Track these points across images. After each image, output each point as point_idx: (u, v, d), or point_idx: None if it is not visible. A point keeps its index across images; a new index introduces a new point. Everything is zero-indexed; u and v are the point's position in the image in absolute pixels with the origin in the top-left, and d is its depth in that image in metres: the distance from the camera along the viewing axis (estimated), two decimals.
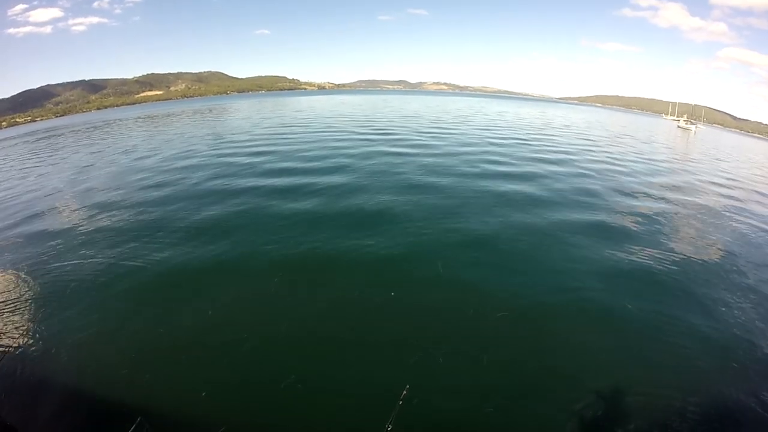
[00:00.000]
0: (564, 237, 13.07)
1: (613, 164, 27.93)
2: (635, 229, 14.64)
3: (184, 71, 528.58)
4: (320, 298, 9.23)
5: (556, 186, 19.44)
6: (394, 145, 27.66)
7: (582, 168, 24.65)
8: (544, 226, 13.73)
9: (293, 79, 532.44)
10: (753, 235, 16.14)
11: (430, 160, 22.94)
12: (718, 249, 14.01)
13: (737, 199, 22.46)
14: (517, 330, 8.40)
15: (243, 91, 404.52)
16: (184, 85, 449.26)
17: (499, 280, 10.18)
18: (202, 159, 24.32)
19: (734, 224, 17.27)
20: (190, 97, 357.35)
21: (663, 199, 19.78)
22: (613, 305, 9.50)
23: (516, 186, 18.21)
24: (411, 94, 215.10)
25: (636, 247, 12.83)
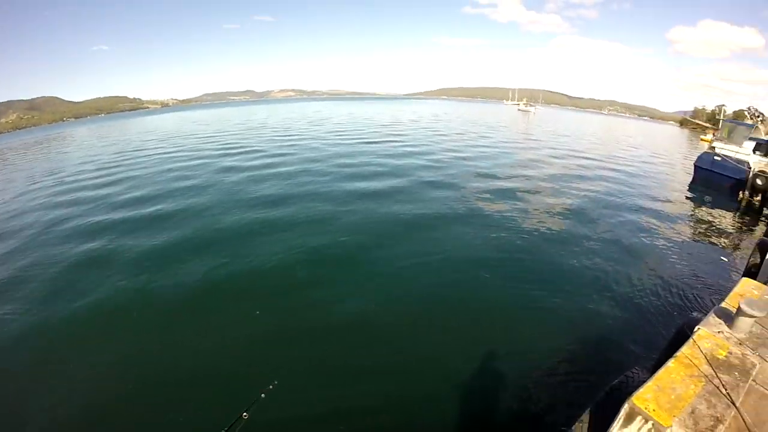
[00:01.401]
0: (423, 225, 14.46)
1: (461, 151, 32.14)
2: (492, 208, 16.87)
3: (14, 99, 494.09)
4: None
5: (412, 177, 21.50)
6: (248, 159, 28.40)
7: (431, 160, 27.35)
8: (407, 219, 15.06)
9: (135, 98, 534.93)
10: (592, 196, 21.18)
11: (282, 170, 23.50)
12: (566, 212, 17.50)
13: (577, 167, 29.83)
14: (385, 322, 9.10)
15: (81, 117, 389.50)
16: (15, 115, 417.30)
17: (362, 275, 11.05)
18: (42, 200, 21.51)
19: (576, 190, 22.08)
20: (24, 128, 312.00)
21: (512, 177, 23.17)
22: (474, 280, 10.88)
23: (372, 183, 19.42)
24: (258, 104, 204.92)
25: (494, 225, 14.72)
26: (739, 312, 4.48)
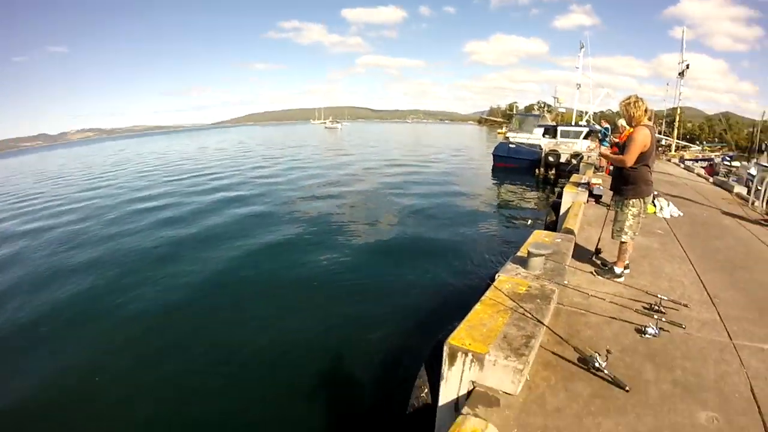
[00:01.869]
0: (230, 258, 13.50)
1: (275, 177, 31.32)
2: (314, 228, 16.52)
3: None
4: None
5: (226, 212, 19.69)
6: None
7: (244, 189, 25.89)
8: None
9: None
10: (407, 197, 22.24)
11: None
12: (386, 218, 18.17)
13: (389, 174, 31.81)
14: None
15: None
16: None
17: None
18: None
19: (391, 195, 23.17)
20: None
21: (328, 193, 23.29)
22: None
23: (184, 230, 16.92)
24: (54, 149, 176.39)
25: (324, 249, 14.05)
26: (530, 254, 5.25)
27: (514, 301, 4.38)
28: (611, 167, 11.34)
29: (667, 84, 45.92)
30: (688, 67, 41.39)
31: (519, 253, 5.77)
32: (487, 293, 4.62)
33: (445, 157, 48.25)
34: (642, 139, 5.47)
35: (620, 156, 5.68)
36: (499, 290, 4.63)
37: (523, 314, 4.16)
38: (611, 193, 6.30)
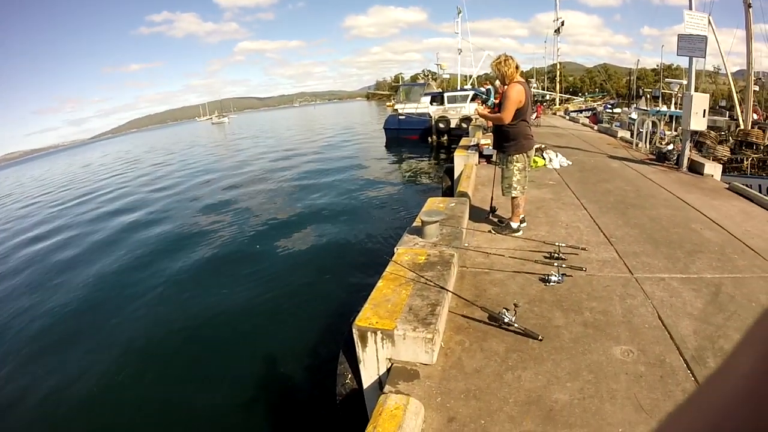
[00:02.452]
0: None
1: (170, 188, 27.71)
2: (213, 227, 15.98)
3: None
4: None
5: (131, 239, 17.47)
6: None
7: (140, 209, 22.68)
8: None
9: None
10: (307, 182, 22.18)
11: None
12: (297, 209, 17.35)
13: (284, 162, 31.16)
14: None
15: None
16: None
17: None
18: None
19: (294, 182, 22.78)
20: None
21: (229, 199, 21.10)
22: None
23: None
24: None
25: (211, 242, 14.04)
26: (424, 223, 5.22)
27: (414, 272, 4.35)
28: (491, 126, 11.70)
29: (545, 42, 48.34)
30: (563, 24, 43.89)
31: (414, 224, 5.76)
32: (388, 268, 4.57)
33: (337, 137, 47.96)
34: (516, 95, 5.62)
35: (497, 114, 5.77)
36: (399, 264, 4.58)
37: (426, 283, 4.14)
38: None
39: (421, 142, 33.00)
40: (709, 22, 10.87)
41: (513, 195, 5.93)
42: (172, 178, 30.65)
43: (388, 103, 56.20)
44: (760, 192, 11.50)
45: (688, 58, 10.64)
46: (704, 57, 10.89)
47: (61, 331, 9.78)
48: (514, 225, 5.95)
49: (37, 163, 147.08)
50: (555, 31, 43.95)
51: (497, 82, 11.84)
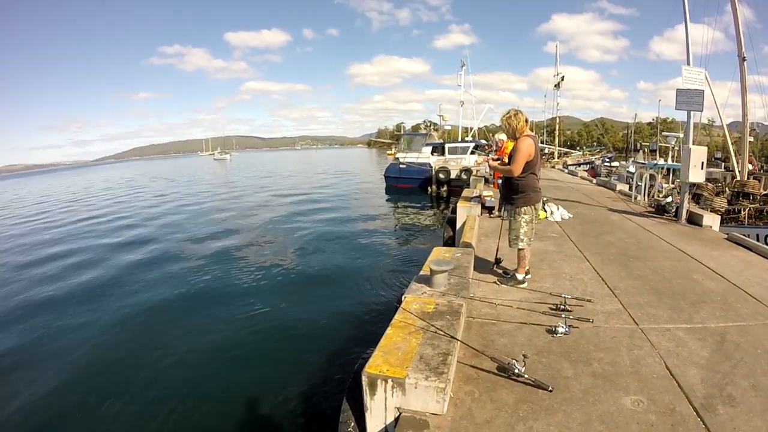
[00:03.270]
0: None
1: (173, 217, 28.81)
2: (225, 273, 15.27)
3: None
4: None
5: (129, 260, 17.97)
6: None
7: (148, 233, 23.54)
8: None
9: None
10: (308, 229, 21.69)
11: None
12: (291, 253, 17.39)
13: (287, 206, 30.88)
14: None
15: None
16: None
17: None
18: None
19: (292, 229, 22.21)
20: None
21: (230, 234, 21.77)
22: None
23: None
24: None
25: (232, 294, 13.17)
26: (433, 272, 5.27)
27: (424, 321, 4.37)
28: (499, 180, 11.79)
29: (545, 96, 49.84)
30: (563, 79, 44.99)
31: (422, 272, 5.80)
32: (397, 316, 4.59)
33: (338, 182, 48.69)
34: (526, 148, 5.73)
35: (508, 167, 5.86)
36: (408, 311, 4.61)
37: (436, 332, 4.16)
38: (503, 203, 6.46)
39: (421, 192, 33.52)
40: (705, 77, 11.15)
41: (520, 246, 5.98)
42: (174, 212, 30.54)
43: (389, 152, 57.00)
44: (758, 241, 11.62)
45: (686, 111, 10.87)
46: (702, 110, 11.17)
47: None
48: (520, 276, 5.99)
49: (41, 178, 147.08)
50: (555, 86, 45.01)
51: (498, 137, 12.10)
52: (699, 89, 10.52)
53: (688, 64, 10.95)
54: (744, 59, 17.45)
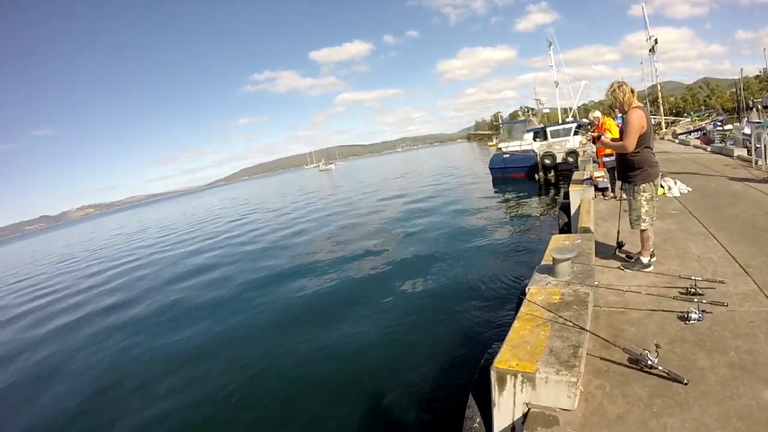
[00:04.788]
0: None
1: (288, 227, 31.01)
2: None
3: None
4: None
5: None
6: None
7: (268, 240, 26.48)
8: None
9: None
10: (425, 227, 22.21)
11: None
12: (413, 250, 17.89)
13: (399, 207, 31.29)
14: None
15: None
16: None
17: None
18: None
19: (408, 228, 22.95)
20: None
21: (363, 239, 22.27)
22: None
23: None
24: (55, 230, 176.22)
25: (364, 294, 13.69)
26: (555, 261, 5.14)
27: (551, 312, 4.26)
28: (603, 159, 11.36)
29: (641, 63, 46.84)
30: (656, 42, 42.39)
31: (544, 262, 5.66)
32: (522, 308, 4.51)
33: (443, 179, 48.53)
34: (637, 120, 5.42)
35: (620, 142, 5.61)
36: (533, 303, 4.53)
37: (564, 323, 4.04)
38: (619, 183, 6.22)
39: (528, 180, 32.90)
40: None
41: (642, 228, 5.69)
42: (289, 225, 31.70)
43: (490, 143, 56.32)
44: None
45: None
46: None
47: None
48: (645, 260, 5.69)
49: (162, 205, 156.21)
50: (649, 50, 42.25)
51: (593, 114, 11.66)
52: None
53: None
54: None
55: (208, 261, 22.89)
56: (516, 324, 4.22)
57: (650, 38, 42.13)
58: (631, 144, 5.46)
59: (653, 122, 42.94)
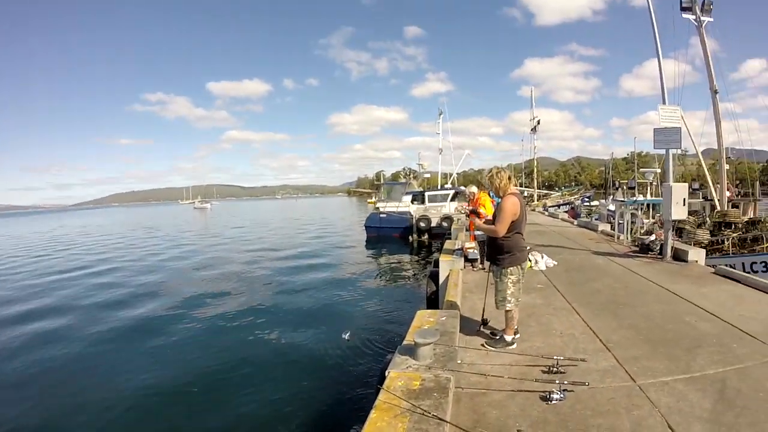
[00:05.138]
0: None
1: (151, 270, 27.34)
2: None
3: None
4: None
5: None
6: None
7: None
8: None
9: None
10: (288, 278, 21.73)
11: None
12: (271, 299, 17.62)
13: (267, 257, 29.99)
14: None
15: None
16: None
17: None
18: None
19: (272, 277, 22.43)
20: None
21: (207, 278, 22.60)
22: None
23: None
24: None
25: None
26: (417, 344, 4.98)
27: (409, 402, 4.08)
28: (476, 231, 11.60)
29: (522, 140, 51.60)
30: (539, 123, 46.62)
31: (405, 342, 5.51)
32: (380, 396, 4.30)
33: (318, 232, 48.18)
34: (511, 207, 5.58)
35: (492, 226, 5.73)
36: (392, 392, 4.32)
37: (423, 414, 3.86)
38: (489, 263, 6.26)
39: (402, 241, 33.68)
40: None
41: (507, 308, 5.76)
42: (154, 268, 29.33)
43: (369, 200, 57.56)
44: (744, 270, 11.55)
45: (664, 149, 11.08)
46: (680, 147, 11.37)
47: None
48: (508, 338, 5.73)
49: (21, 220, 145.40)
50: (531, 129, 46.55)
51: (470, 188, 12.00)
52: (676, 127, 10.74)
53: (664, 102, 11.15)
54: (716, 92, 18.15)
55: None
56: (373, 414, 4.00)
57: (534, 118, 45.88)
58: (501, 230, 5.61)
59: (527, 194, 45.59)
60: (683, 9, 18.50)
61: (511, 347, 5.68)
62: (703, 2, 18.41)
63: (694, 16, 18.40)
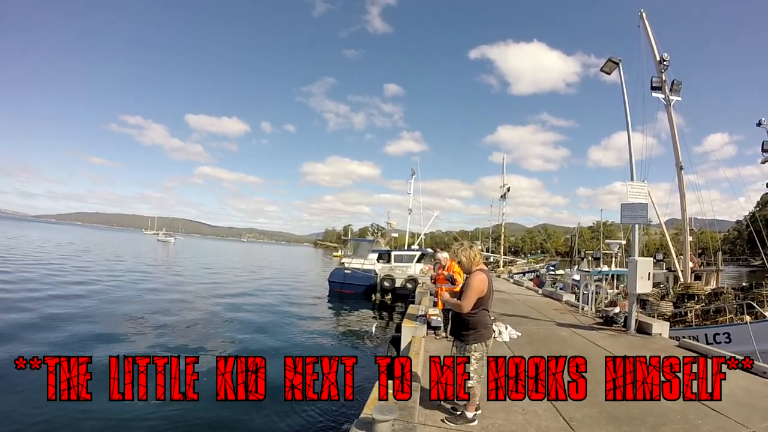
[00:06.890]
0: None
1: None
2: None
3: None
4: None
5: None
6: None
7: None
8: None
9: None
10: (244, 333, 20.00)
11: None
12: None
13: (226, 303, 28.47)
14: None
15: None
16: None
17: None
18: None
19: (230, 329, 20.62)
20: None
21: (166, 311, 22.20)
22: None
23: None
24: None
25: None
26: (375, 420, 4.84)
27: None
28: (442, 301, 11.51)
29: (491, 205, 52.57)
30: (509, 190, 47.40)
31: (363, 415, 5.34)
32: None
33: (282, 281, 46.87)
34: (479, 284, 5.57)
35: (458, 301, 5.70)
36: None
37: None
38: (453, 338, 6.18)
39: (364, 299, 33.32)
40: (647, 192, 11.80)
41: (469, 386, 5.64)
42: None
43: (335, 254, 57.42)
44: (707, 342, 11.70)
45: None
46: (646, 222, 11.69)
47: None
48: (470, 414, 5.60)
49: None
50: (501, 196, 47.59)
51: (441, 255, 11.99)
52: (642, 203, 11.10)
53: (632, 179, 11.51)
54: (681, 168, 18.87)
55: None
56: None
57: (504, 185, 47.16)
58: (468, 306, 5.56)
59: (493, 260, 46.02)
60: (653, 89, 19.39)
61: (471, 424, 5.55)
62: (672, 82, 19.27)
63: (663, 95, 19.27)
